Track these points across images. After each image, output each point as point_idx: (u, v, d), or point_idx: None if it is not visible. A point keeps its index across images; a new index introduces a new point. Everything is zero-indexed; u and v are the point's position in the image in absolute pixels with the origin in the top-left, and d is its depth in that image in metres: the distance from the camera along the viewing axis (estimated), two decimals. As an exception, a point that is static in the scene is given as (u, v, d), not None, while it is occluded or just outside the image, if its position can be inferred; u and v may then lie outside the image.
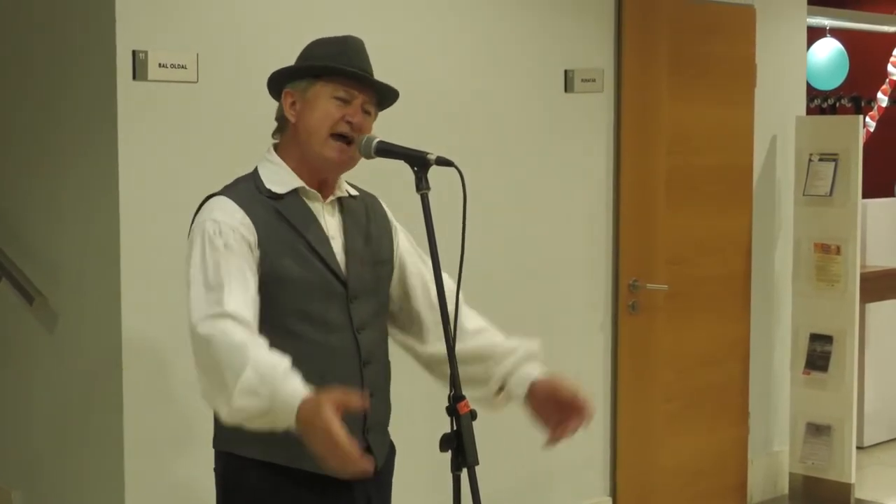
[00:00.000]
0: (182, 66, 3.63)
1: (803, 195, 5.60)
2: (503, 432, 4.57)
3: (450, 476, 2.46)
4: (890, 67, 7.22)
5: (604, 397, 5.01)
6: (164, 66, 3.58)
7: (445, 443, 2.45)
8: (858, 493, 5.66)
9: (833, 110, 8.08)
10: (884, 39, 7.65)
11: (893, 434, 6.90)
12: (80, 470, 3.82)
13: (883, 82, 7.29)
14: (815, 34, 7.08)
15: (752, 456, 5.62)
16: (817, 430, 5.59)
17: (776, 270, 5.75)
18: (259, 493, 2.53)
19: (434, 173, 2.54)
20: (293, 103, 2.61)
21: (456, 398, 2.44)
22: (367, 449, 2.63)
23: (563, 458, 4.87)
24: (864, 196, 5.73)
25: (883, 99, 7.27)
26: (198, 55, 3.67)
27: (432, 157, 2.54)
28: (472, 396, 2.52)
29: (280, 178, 2.60)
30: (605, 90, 4.90)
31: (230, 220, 2.50)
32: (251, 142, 3.37)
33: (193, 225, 2.55)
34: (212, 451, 2.65)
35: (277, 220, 2.55)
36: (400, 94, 2.70)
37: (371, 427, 2.64)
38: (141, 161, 3.57)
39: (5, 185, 4.11)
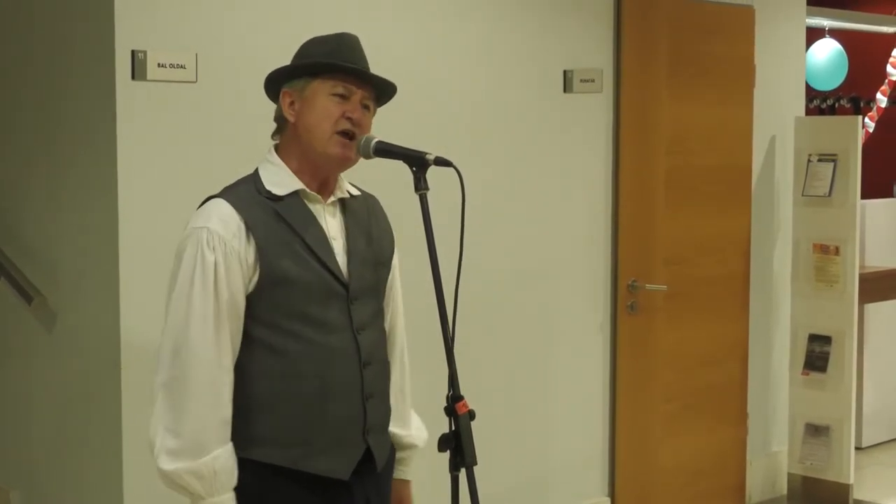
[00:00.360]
0: (181, 66, 3.63)
1: (802, 196, 5.61)
2: (502, 432, 4.58)
3: (448, 476, 2.46)
4: (889, 68, 7.22)
5: (603, 398, 5.01)
6: (163, 65, 3.59)
7: (444, 443, 2.45)
8: (857, 494, 5.66)
9: (832, 111, 8.08)
10: (883, 40, 7.65)
11: (892, 435, 6.90)
12: (79, 470, 3.82)
13: (882, 83, 7.29)
14: (814, 35, 7.08)
15: (751, 456, 5.63)
16: (816, 431, 5.60)
17: (775, 271, 5.76)
18: (258, 494, 2.53)
19: (433, 174, 2.55)
20: (292, 103, 2.61)
21: (454, 398, 2.44)
22: (368, 450, 2.63)
23: (561, 459, 4.88)
24: (863, 197, 5.72)
25: (882, 99, 7.27)
26: (197, 55, 3.67)
27: (431, 157, 2.54)
28: None
29: (280, 179, 2.60)
30: (605, 90, 4.90)
31: (224, 231, 2.50)
32: (250, 142, 3.37)
33: (188, 228, 2.55)
34: (211, 452, 2.65)
35: (277, 222, 2.55)
36: (398, 91, 2.70)
37: (371, 428, 2.64)
38: (140, 160, 3.57)
39: (5, 184, 4.11)
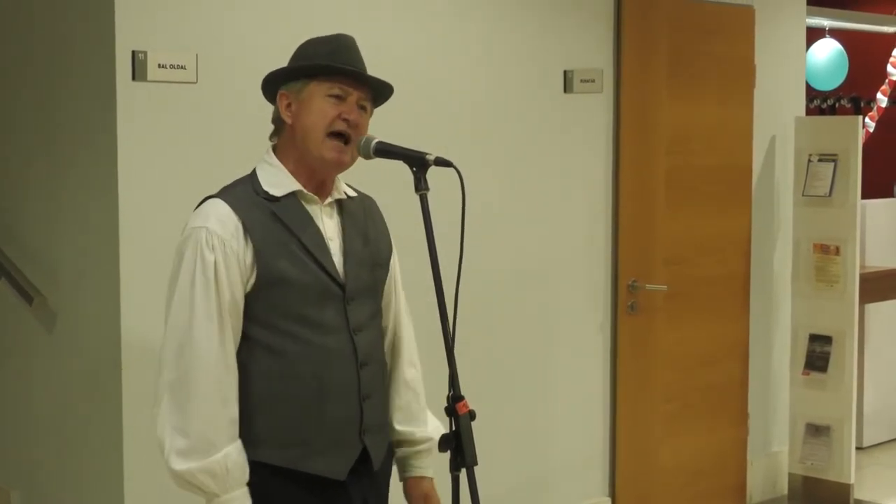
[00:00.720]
0: (181, 67, 3.63)
1: (802, 196, 5.61)
2: (503, 432, 4.58)
3: (449, 476, 2.46)
4: (889, 68, 7.22)
5: (603, 398, 5.01)
6: (163, 66, 3.59)
7: (444, 443, 2.46)
8: (858, 494, 5.66)
9: (832, 111, 8.08)
10: (883, 40, 7.65)
11: (893, 434, 6.90)
12: (80, 470, 3.82)
13: (882, 83, 7.29)
14: (814, 34, 7.08)
15: (752, 456, 5.63)
16: (816, 431, 5.59)
17: (775, 271, 5.76)
18: (256, 494, 2.53)
19: (433, 174, 2.55)
20: (288, 105, 2.61)
21: (455, 398, 2.45)
22: (364, 450, 2.64)
23: (562, 459, 4.88)
24: (864, 197, 5.73)
25: (882, 99, 7.27)
26: (197, 56, 3.67)
27: (431, 157, 2.54)
28: None
29: (278, 180, 2.60)
30: (605, 90, 4.90)
31: (223, 231, 2.50)
32: (250, 142, 3.37)
33: (187, 228, 2.55)
34: (211, 452, 2.65)
35: (274, 223, 2.55)
36: (399, 91, 2.71)
37: (367, 429, 2.64)
38: (140, 161, 3.57)
39: (5, 185, 4.11)
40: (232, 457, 2.48)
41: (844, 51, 7.39)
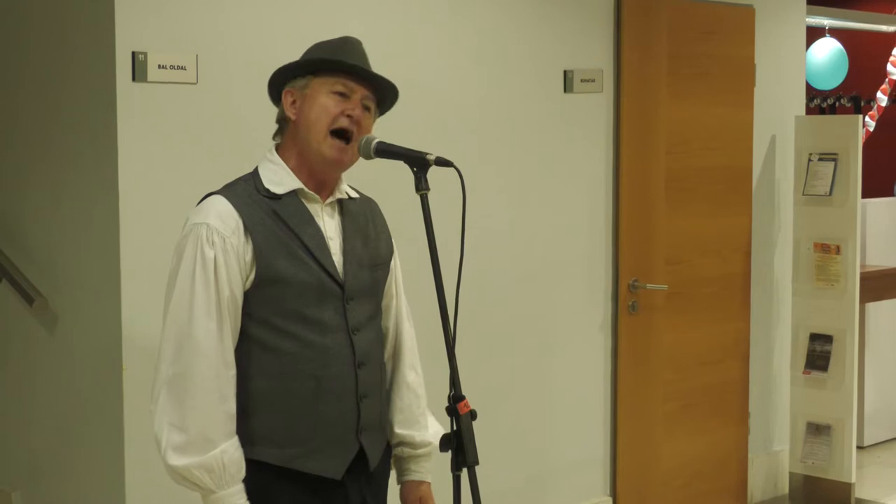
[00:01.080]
0: (181, 68, 3.63)
1: (803, 195, 5.61)
2: (504, 432, 4.58)
3: (450, 476, 2.46)
4: (889, 67, 7.22)
5: (604, 397, 5.01)
6: (163, 67, 3.59)
7: (445, 443, 2.46)
8: (858, 493, 5.66)
9: (832, 110, 8.08)
10: (883, 39, 7.65)
11: (893, 433, 6.90)
12: (81, 470, 3.82)
13: (882, 82, 7.29)
14: (814, 34, 7.08)
15: (752, 455, 5.63)
16: (817, 430, 5.59)
17: (776, 270, 5.76)
18: (254, 493, 2.53)
19: (434, 174, 2.55)
20: (293, 102, 2.62)
21: (456, 398, 2.45)
22: (361, 450, 2.64)
23: (563, 458, 4.88)
24: (864, 196, 5.73)
25: (882, 98, 7.27)
26: (197, 56, 3.67)
27: (432, 157, 2.54)
28: None
29: (279, 178, 2.60)
30: (605, 90, 4.90)
31: (223, 227, 2.51)
32: (250, 143, 3.37)
33: (187, 224, 2.56)
34: (211, 452, 2.65)
35: (274, 221, 2.56)
36: (399, 93, 2.70)
37: (364, 428, 2.64)
38: (140, 162, 3.57)
39: (5, 185, 4.11)
40: (229, 453, 2.48)
41: (844, 50, 7.38)
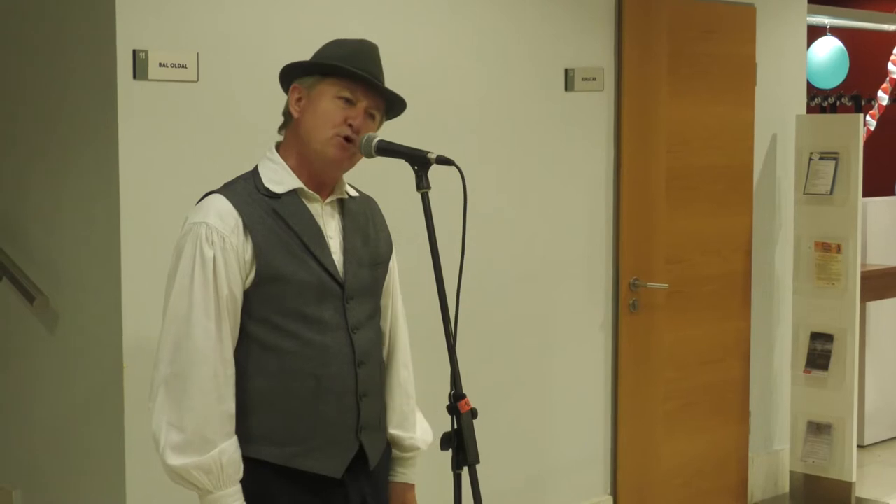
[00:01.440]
0: (182, 66, 3.63)
1: (804, 194, 5.60)
2: (504, 431, 4.58)
3: (450, 474, 2.46)
4: (890, 66, 7.21)
5: (604, 396, 5.01)
6: (164, 65, 3.58)
7: (446, 441, 2.46)
8: (859, 492, 5.66)
9: (833, 109, 8.08)
10: (884, 38, 7.65)
11: (894, 433, 6.90)
12: (82, 469, 3.82)
13: (883, 81, 7.29)
14: (815, 32, 7.08)
15: (753, 454, 5.63)
16: (818, 429, 5.59)
17: (776, 269, 5.76)
18: (253, 492, 2.54)
19: (434, 173, 2.55)
20: (299, 99, 2.61)
21: (456, 396, 2.45)
22: (361, 449, 2.64)
23: (563, 457, 4.88)
24: (865, 195, 5.73)
25: (883, 97, 7.27)
26: (198, 55, 3.67)
27: (433, 155, 2.54)
28: None
29: (279, 177, 2.60)
30: (606, 89, 4.90)
31: (223, 226, 2.51)
32: (251, 141, 3.37)
33: (187, 223, 2.56)
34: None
35: (274, 220, 2.55)
36: (397, 90, 2.70)
37: (364, 427, 2.65)
38: (141, 160, 3.57)
39: (6, 184, 4.11)
40: (227, 453, 2.48)
41: (845, 49, 7.38)
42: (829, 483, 5.56)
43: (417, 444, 2.81)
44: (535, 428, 4.78)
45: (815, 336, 5.60)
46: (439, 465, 2.79)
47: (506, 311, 4.62)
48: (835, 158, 5.51)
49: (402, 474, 2.82)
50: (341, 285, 2.60)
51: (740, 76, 5.38)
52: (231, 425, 2.51)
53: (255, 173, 2.63)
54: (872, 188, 6.83)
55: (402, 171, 2.62)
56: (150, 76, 3.55)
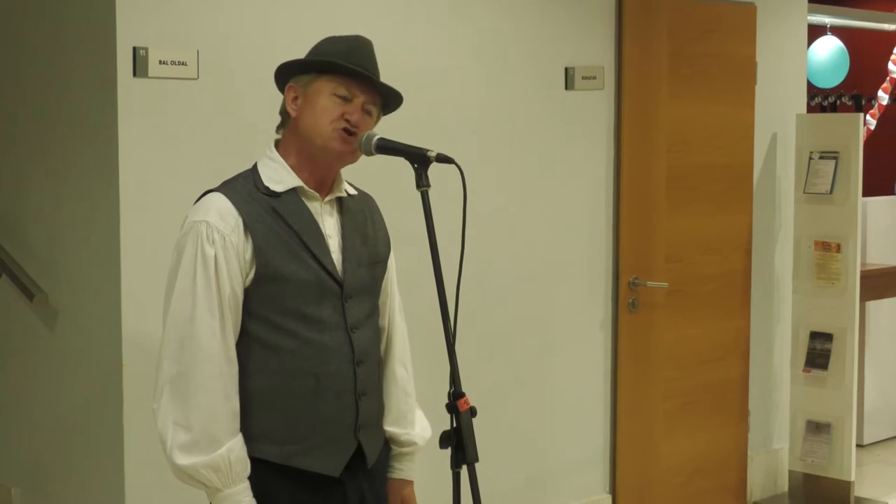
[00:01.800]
0: (182, 63, 3.63)
1: (804, 193, 5.60)
2: (503, 429, 4.58)
3: (450, 473, 2.46)
4: (891, 65, 7.21)
5: (604, 395, 5.01)
6: (164, 62, 3.58)
7: (445, 440, 2.46)
8: (858, 491, 5.66)
9: (833, 108, 8.08)
10: (884, 37, 7.65)
11: (893, 432, 6.90)
12: (81, 466, 3.82)
13: (884, 80, 7.28)
14: (815, 32, 7.07)
15: (752, 453, 5.63)
16: (817, 428, 5.59)
17: (776, 268, 5.76)
18: (253, 490, 2.53)
19: (434, 171, 2.55)
20: (295, 98, 2.61)
21: (456, 395, 2.45)
22: (359, 447, 2.64)
23: (563, 456, 4.88)
24: (865, 194, 5.72)
25: (883, 97, 7.27)
26: (198, 52, 3.67)
27: (433, 153, 2.54)
28: None
29: (279, 176, 2.60)
30: (606, 88, 4.90)
31: (223, 225, 2.51)
32: (251, 139, 3.37)
33: (187, 222, 2.56)
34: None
35: (273, 219, 2.55)
36: (401, 90, 2.70)
37: (362, 425, 2.65)
38: (141, 158, 3.57)
39: (6, 181, 4.11)
40: (235, 451, 2.49)
41: (846, 48, 7.38)
42: (829, 482, 5.56)
43: (414, 440, 2.81)
44: (535, 426, 4.78)
45: (815, 335, 5.60)
46: (438, 464, 2.79)
47: (505, 310, 4.61)
48: (835, 158, 5.51)
49: (400, 471, 2.82)
50: (340, 284, 2.60)
51: (740, 75, 5.38)
52: (237, 423, 2.51)
53: (254, 171, 2.63)
54: (872, 187, 6.83)
55: (402, 169, 2.62)
56: (150, 73, 3.55)
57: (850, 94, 8.09)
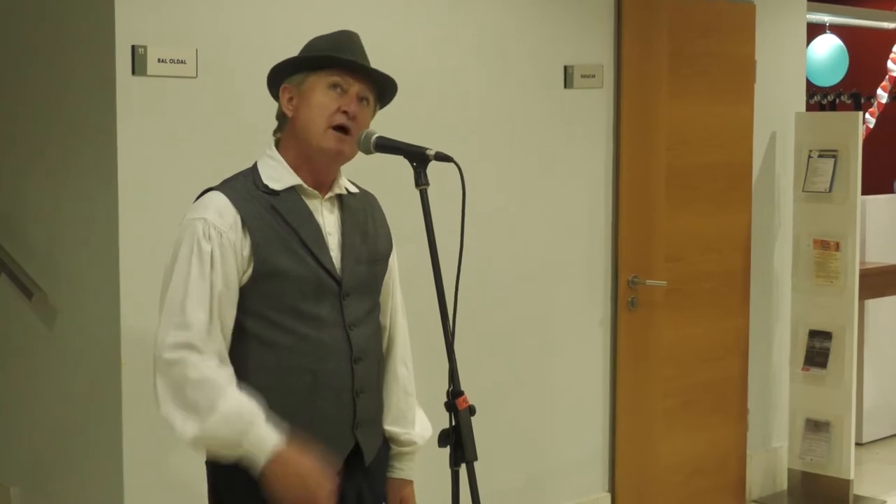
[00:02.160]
0: (181, 62, 3.63)
1: (803, 191, 5.60)
2: (503, 428, 4.58)
3: (448, 472, 2.46)
4: (890, 64, 7.20)
5: (603, 393, 5.01)
6: (163, 61, 3.58)
7: (444, 438, 2.46)
8: (857, 490, 5.66)
9: (833, 107, 8.07)
10: (884, 36, 7.64)
11: (892, 430, 6.90)
12: (80, 466, 3.82)
13: (883, 79, 7.28)
14: (814, 30, 7.07)
15: (751, 452, 5.63)
16: (816, 427, 5.60)
17: (775, 267, 5.76)
18: (251, 489, 2.53)
19: (433, 170, 2.54)
20: (290, 99, 2.62)
21: (454, 393, 2.45)
22: (356, 445, 2.65)
23: (562, 455, 4.88)
24: (864, 192, 5.72)
25: (883, 95, 7.26)
26: (197, 50, 3.67)
27: (431, 152, 2.54)
28: None
29: (278, 174, 2.61)
30: (605, 86, 4.90)
31: (221, 222, 2.51)
32: (250, 137, 3.37)
33: (185, 219, 2.56)
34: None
35: (272, 216, 2.56)
36: (399, 86, 2.70)
37: (360, 423, 2.65)
38: (140, 156, 3.57)
39: (5, 181, 4.11)
40: (235, 397, 2.47)
41: (845, 47, 7.37)
42: (828, 480, 5.57)
43: (414, 439, 2.80)
44: (535, 426, 4.78)
45: (814, 334, 5.60)
46: (438, 463, 2.79)
47: (504, 308, 4.61)
48: (834, 156, 5.51)
49: (400, 470, 2.82)
50: (338, 282, 2.60)
51: (740, 74, 5.38)
52: (233, 381, 2.50)
53: (254, 170, 2.64)
54: (871, 186, 6.83)
55: (401, 168, 2.62)
56: (148, 72, 3.55)
57: (850, 92, 8.08)
